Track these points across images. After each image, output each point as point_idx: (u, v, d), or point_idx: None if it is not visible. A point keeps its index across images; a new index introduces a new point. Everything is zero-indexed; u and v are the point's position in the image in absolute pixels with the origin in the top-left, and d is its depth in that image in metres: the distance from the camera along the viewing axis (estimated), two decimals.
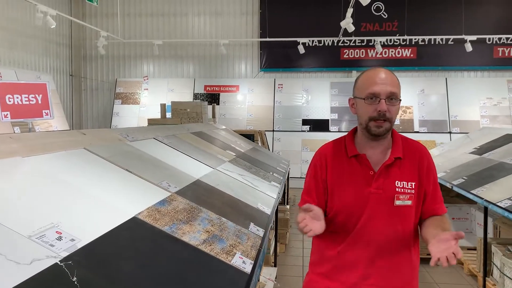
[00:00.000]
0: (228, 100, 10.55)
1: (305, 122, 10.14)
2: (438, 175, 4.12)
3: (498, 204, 3.32)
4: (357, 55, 10.37)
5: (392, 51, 10.27)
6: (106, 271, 1.21)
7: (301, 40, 9.60)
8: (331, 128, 9.98)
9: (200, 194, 2.30)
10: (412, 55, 10.24)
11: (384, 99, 1.63)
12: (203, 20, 10.88)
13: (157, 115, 8.37)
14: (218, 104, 10.40)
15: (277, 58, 10.65)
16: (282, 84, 10.48)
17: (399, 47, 10.24)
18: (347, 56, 10.40)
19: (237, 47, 10.84)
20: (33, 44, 9.41)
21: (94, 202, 1.60)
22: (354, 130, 1.82)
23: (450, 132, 9.63)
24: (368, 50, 10.29)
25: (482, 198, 3.61)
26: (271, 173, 4.19)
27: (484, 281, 3.98)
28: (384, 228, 1.69)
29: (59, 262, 1.13)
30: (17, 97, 4.93)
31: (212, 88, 10.70)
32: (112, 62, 11.29)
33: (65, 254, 1.18)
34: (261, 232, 2.07)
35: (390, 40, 10.13)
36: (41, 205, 1.40)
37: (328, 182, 1.76)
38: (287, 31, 10.08)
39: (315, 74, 10.67)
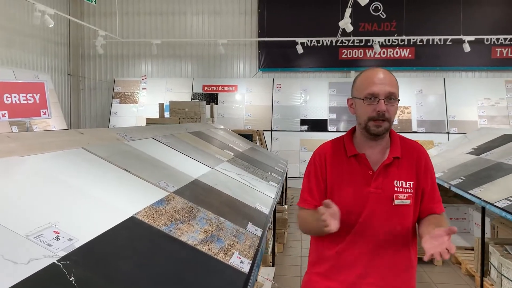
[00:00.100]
0: (226, 99, 10.55)
1: (303, 122, 10.15)
2: (436, 175, 4.12)
3: (495, 204, 3.32)
4: (355, 55, 10.38)
5: (390, 51, 10.28)
6: (104, 270, 1.21)
7: (300, 40, 9.60)
8: (329, 128, 9.98)
9: (198, 194, 2.30)
10: (410, 55, 10.25)
11: (383, 99, 1.64)
12: (201, 20, 10.88)
13: (155, 114, 8.36)
14: (216, 103, 10.40)
15: (275, 58, 10.65)
16: (280, 84, 10.49)
17: (397, 47, 10.25)
18: (346, 56, 10.40)
19: (235, 46, 10.84)
20: (31, 43, 9.39)
21: (92, 202, 1.60)
22: (353, 130, 1.83)
23: (448, 132, 9.64)
24: (367, 50, 10.29)
25: (480, 198, 3.62)
26: (269, 173, 4.19)
27: (482, 281, 3.99)
28: (383, 227, 1.69)
29: (56, 262, 1.13)
30: (15, 97, 4.92)
31: (210, 88, 10.69)
32: (110, 61, 11.27)
33: (62, 253, 1.17)
34: (259, 231, 2.07)
35: (389, 40, 10.14)
36: (39, 205, 1.40)
37: (327, 182, 1.77)
38: (286, 31, 10.08)
39: (313, 74, 10.67)
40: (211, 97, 10.56)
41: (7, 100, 4.86)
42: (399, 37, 9.93)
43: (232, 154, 4.30)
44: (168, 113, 6.50)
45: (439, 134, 9.63)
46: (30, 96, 5.10)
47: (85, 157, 2.04)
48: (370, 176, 1.71)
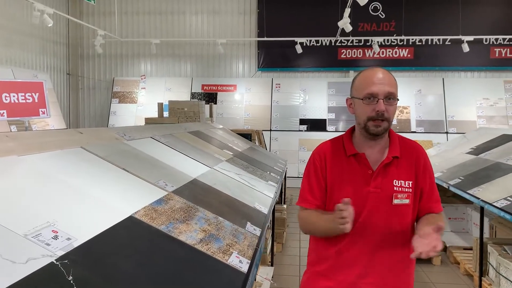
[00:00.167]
0: (225, 99, 10.54)
1: (302, 121, 10.15)
2: (435, 175, 4.12)
3: (494, 204, 3.33)
4: (354, 55, 10.38)
5: (389, 51, 10.28)
6: (102, 270, 1.21)
7: (299, 39, 9.60)
8: (328, 128, 9.98)
9: (197, 193, 2.30)
10: (409, 55, 10.26)
11: (382, 99, 1.64)
12: (200, 19, 10.87)
13: (154, 114, 8.36)
14: (215, 103, 10.40)
15: (274, 58, 10.65)
16: (279, 84, 10.49)
17: (396, 47, 10.26)
18: (345, 56, 10.41)
19: (234, 46, 10.83)
20: (30, 43, 9.38)
21: (91, 201, 1.60)
22: (352, 129, 1.83)
23: (447, 132, 9.65)
24: (366, 50, 10.30)
25: (478, 198, 3.62)
26: (268, 172, 4.19)
27: (480, 280, 3.99)
28: (382, 227, 1.69)
29: (55, 261, 1.12)
30: (14, 96, 4.91)
31: (209, 88, 10.69)
32: (110, 61, 11.26)
33: (61, 253, 1.17)
34: (258, 231, 2.07)
35: (388, 40, 10.14)
36: (37, 204, 1.40)
37: (327, 181, 1.77)
38: (285, 30, 10.08)
39: (312, 74, 10.67)
40: (210, 97, 10.55)
41: (6, 99, 4.85)
42: (398, 37, 9.94)
43: (231, 153, 4.30)
44: (167, 112, 6.50)
45: (438, 134, 9.64)
46: (28, 96, 5.09)
47: (84, 156, 2.03)
48: (369, 176, 1.71)
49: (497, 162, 4.36)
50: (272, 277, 4.17)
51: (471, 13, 9.84)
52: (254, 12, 10.62)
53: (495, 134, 5.49)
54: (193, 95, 10.62)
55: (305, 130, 10.08)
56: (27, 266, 1.06)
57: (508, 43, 9.93)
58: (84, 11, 11.15)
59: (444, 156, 5.76)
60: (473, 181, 4.10)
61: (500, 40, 9.92)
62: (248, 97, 10.50)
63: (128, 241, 1.43)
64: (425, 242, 1.47)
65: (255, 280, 3.56)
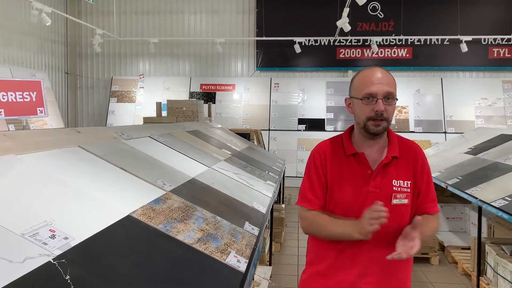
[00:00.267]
0: (224, 99, 10.54)
1: (301, 121, 10.15)
2: (433, 175, 4.13)
3: (492, 204, 3.33)
4: (353, 54, 10.38)
5: (388, 51, 10.29)
6: (100, 269, 1.21)
7: (298, 39, 9.60)
8: (327, 127, 9.99)
9: (195, 193, 2.30)
10: (408, 55, 10.27)
11: (381, 99, 1.64)
12: (199, 18, 10.86)
13: (152, 113, 8.35)
14: (214, 102, 10.39)
15: (273, 57, 10.65)
16: (278, 83, 10.48)
17: (395, 47, 10.26)
18: (343, 56, 10.41)
19: (233, 45, 10.83)
20: (28, 42, 9.36)
21: (88, 200, 1.60)
22: (351, 129, 1.83)
23: (445, 132, 9.66)
24: (364, 50, 10.30)
25: (476, 198, 3.63)
26: (266, 172, 4.19)
27: (478, 280, 4.00)
28: (381, 226, 1.69)
29: (52, 261, 1.12)
30: (11, 95, 4.91)
31: (208, 87, 10.68)
32: (108, 60, 11.25)
33: (58, 252, 1.17)
34: (256, 231, 2.07)
35: (386, 40, 10.15)
36: (35, 203, 1.39)
37: (328, 180, 1.76)
38: (284, 30, 10.07)
39: (311, 73, 10.67)
40: (209, 96, 10.55)
41: (3, 98, 4.84)
42: (397, 37, 9.94)
43: (230, 153, 4.30)
44: (166, 112, 6.50)
45: (436, 134, 9.65)
46: (26, 94, 5.08)
47: (81, 155, 2.03)
48: (369, 175, 1.71)
49: (495, 162, 4.36)
50: (270, 276, 4.17)
51: (469, 13, 9.85)
52: (253, 12, 10.62)
53: (493, 134, 5.50)
54: (191, 95, 10.62)
55: (303, 130, 10.08)
56: (24, 265, 1.06)
57: (506, 43, 9.94)
58: (83, 10, 11.13)
59: (443, 156, 5.77)
60: (471, 181, 4.11)
61: (499, 40, 9.93)
62: (246, 96, 10.50)
63: (125, 241, 1.43)
64: (406, 243, 1.56)
65: (253, 279, 3.56)
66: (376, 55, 10.14)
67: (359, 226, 1.58)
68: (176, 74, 11.04)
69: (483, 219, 4.31)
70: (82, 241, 1.28)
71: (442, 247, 5.14)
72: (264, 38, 10.10)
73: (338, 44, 10.33)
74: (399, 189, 1.70)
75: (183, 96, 10.54)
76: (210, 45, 10.65)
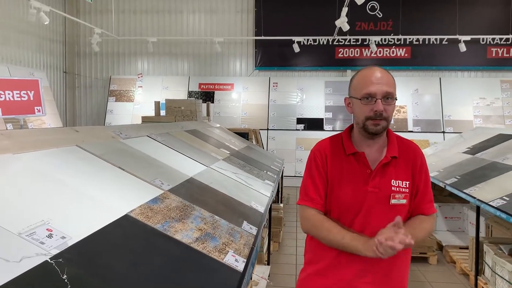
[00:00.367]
0: (222, 98, 10.53)
1: (299, 121, 10.15)
2: (431, 175, 4.14)
3: (490, 203, 3.34)
4: (351, 54, 10.39)
5: (386, 51, 10.29)
6: (97, 269, 1.21)
7: (296, 38, 9.60)
8: (326, 127, 9.99)
9: (193, 192, 2.30)
10: (406, 55, 10.27)
11: (380, 99, 1.64)
12: (198, 18, 10.85)
13: (151, 112, 8.34)
14: (212, 102, 10.38)
15: (272, 57, 10.64)
16: (277, 83, 10.48)
17: (393, 47, 10.27)
18: (342, 55, 10.41)
19: (232, 45, 10.82)
20: (26, 40, 9.34)
21: (86, 200, 1.59)
22: (350, 128, 1.82)
23: (443, 132, 9.67)
24: (363, 49, 10.30)
25: (474, 198, 3.63)
26: (265, 171, 4.19)
27: (476, 280, 4.00)
28: (379, 226, 1.68)
29: (49, 260, 1.12)
30: (9, 94, 4.89)
31: (206, 86, 10.67)
32: (106, 59, 11.23)
33: (55, 251, 1.17)
34: (254, 230, 2.07)
35: (385, 39, 10.16)
36: (32, 203, 1.39)
37: (328, 179, 1.76)
38: (282, 29, 10.07)
39: (309, 73, 10.67)
40: (207, 96, 10.54)
41: (1, 97, 4.83)
42: (395, 37, 9.94)
43: (228, 152, 4.29)
44: (164, 111, 6.49)
45: (435, 133, 9.66)
46: (24, 93, 5.07)
47: (79, 155, 2.03)
48: (368, 175, 1.70)
49: (493, 162, 4.37)
50: (269, 276, 4.17)
51: (468, 12, 9.86)
52: (252, 11, 10.61)
53: (491, 133, 5.51)
54: (190, 94, 10.61)
55: (302, 129, 10.08)
56: (21, 264, 1.05)
57: (505, 43, 9.96)
58: (81, 9, 11.11)
59: (441, 156, 5.78)
60: (470, 181, 4.12)
61: (497, 40, 9.95)
62: (245, 96, 10.49)
63: (123, 240, 1.43)
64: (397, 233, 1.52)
65: (251, 279, 3.56)
66: (375, 55, 10.15)
67: (372, 246, 1.55)
68: (175, 74, 11.03)
69: (481, 219, 4.31)
70: (79, 240, 1.28)
71: (440, 247, 5.14)
72: (262, 37, 10.10)
73: (337, 43, 10.34)
74: (397, 189, 1.70)
75: (182, 95, 10.53)
76: (209, 44, 10.64)
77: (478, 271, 4.01)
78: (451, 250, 4.84)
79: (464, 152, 5.29)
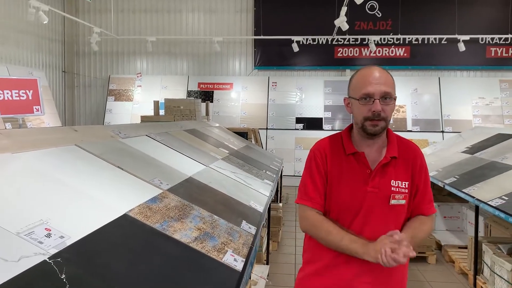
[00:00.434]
0: (222, 97, 10.53)
1: (298, 120, 10.15)
2: (430, 174, 4.14)
3: (489, 203, 3.34)
4: (351, 53, 10.39)
5: (385, 50, 10.30)
6: (96, 268, 1.20)
7: (295, 38, 9.60)
8: (325, 126, 9.99)
9: (192, 192, 2.29)
10: (405, 54, 10.28)
11: (378, 99, 1.63)
12: (197, 17, 10.85)
13: (150, 112, 8.33)
14: (211, 101, 10.38)
15: (271, 56, 10.64)
16: (276, 82, 10.48)
17: (392, 46, 10.27)
18: (341, 55, 10.41)
19: (231, 44, 10.82)
20: (25, 40, 9.33)
21: (85, 199, 1.59)
22: (350, 127, 1.82)
23: (442, 131, 9.68)
24: (362, 49, 10.30)
25: (473, 197, 3.63)
26: (264, 171, 4.19)
27: (475, 279, 4.01)
28: (378, 226, 1.69)
29: (47, 259, 1.12)
30: (7, 93, 4.89)
31: (206, 86, 10.67)
32: (105, 58, 11.22)
33: (54, 251, 1.16)
34: (253, 230, 2.07)
35: (384, 39, 10.16)
36: (31, 202, 1.39)
37: (327, 178, 1.75)
38: (281, 29, 10.07)
39: (309, 72, 10.67)
40: (207, 95, 10.54)
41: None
42: (395, 36, 9.95)
43: (227, 152, 4.29)
44: (163, 110, 6.49)
45: (434, 133, 9.67)
46: (22, 93, 5.06)
47: (78, 154, 2.02)
48: (368, 175, 1.70)
49: (492, 161, 4.37)
50: (268, 275, 4.17)
51: (467, 12, 9.86)
52: (251, 10, 10.61)
53: (490, 133, 5.52)
54: (189, 93, 10.60)
55: (301, 129, 10.08)
56: (19, 264, 1.05)
57: (504, 42, 9.96)
58: (80, 8, 11.10)
59: (440, 155, 5.78)
60: (468, 180, 4.12)
61: (496, 40, 9.95)
62: (244, 95, 10.49)
63: (122, 240, 1.43)
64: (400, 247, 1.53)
65: (250, 278, 3.56)
66: (374, 54, 10.15)
67: (373, 250, 1.56)
68: (174, 73, 11.03)
69: (480, 218, 4.31)
70: (78, 240, 1.28)
71: (439, 246, 5.15)
72: (262, 37, 10.09)
73: (336, 43, 10.34)
74: (397, 189, 1.69)
75: (181, 94, 10.52)
76: (208, 43, 10.64)
77: (477, 270, 4.01)
78: (450, 250, 4.84)
79: (463, 152, 5.30)
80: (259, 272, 4.03)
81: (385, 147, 1.75)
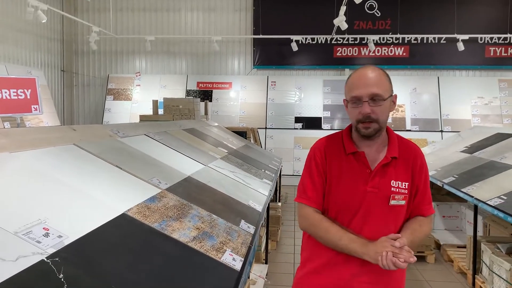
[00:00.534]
0: (221, 97, 10.52)
1: (297, 119, 10.15)
2: (429, 174, 4.13)
3: (488, 202, 3.34)
4: (350, 53, 10.39)
5: (384, 50, 10.30)
6: (94, 268, 1.20)
7: (294, 37, 9.59)
8: (324, 126, 9.99)
9: (191, 191, 2.29)
10: (404, 54, 10.28)
11: (367, 101, 1.63)
12: (196, 16, 10.84)
13: (149, 111, 8.33)
14: (210, 101, 10.37)
15: (270, 55, 10.64)
16: (275, 82, 10.48)
17: (391, 46, 10.27)
18: (340, 54, 10.41)
19: (230, 43, 10.81)
20: (24, 39, 9.31)
21: (83, 199, 1.59)
22: (350, 127, 1.82)
23: (441, 131, 9.68)
24: (361, 48, 10.30)
25: (472, 197, 3.63)
26: (263, 170, 4.19)
27: (474, 278, 4.01)
28: (378, 226, 1.69)
29: (45, 259, 1.11)
30: (5, 92, 4.87)
31: (205, 85, 10.66)
32: (104, 57, 11.20)
33: (52, 250, 1.16)
34: (251, 229, 2.07)
35: (383, 38, 10.16)
36: (29, 201, 1.38)
37: (326, 177, 1.75)
38: (281, 28, 10.07)
39: (308, 71, 10.67)
40: (206, 94, 10.53)
41: None
42: (394, 36, 9.95)
43: (226, 151, 4.29)
44: (162, 110, 6.48)
45: (433, 132, 9.67)
46: (21, 92, 5.05)
47: (76, 153, 2.02)
48: (367, 175, 1.70)
49: (491, 161, 4.38)
50: (266, 274, 4.17)
51: (466, 12, 9.87)
52: (250, 10, 10.60)
53: (489, 132, 5.52)
54: (188, 93, 10.59)
55: (300, 128, 10.08)
56: (17, 264, 1.05)
57: (503, 42, 9.97)
58: (79, 7, 11.08)
59: (439, 155, 5.78)
60: (467, 180, 4.12)
61: (495, 39, 9.96)
62: (243, 94, 10.49)
63: (120, 239, 1.42)
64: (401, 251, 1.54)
65: (248, 277, 3.56)
66: (373, 54, 10.15)
67: (373, 251, 1.57)
68: (173, 72, 11.02)
69: (479, 218, 4.32)
70: (76, 239, 1.27)
71: (438, 246, 5.15)
72: (261, 36, 10.09)
73: (335, 42, 10.33)
74: (397, 190, 1.69)
75: (180, 94, 10.51)
76: (207, 43, 10.63)
77: (476, 270, 4.02)
78: (449, 249, 4.85)
79: (462, 151, 5.30)
80: (258, 271, 4.03)
81: (385, 147, 1.75)
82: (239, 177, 3.25)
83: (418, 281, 4.29)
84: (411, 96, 10.00)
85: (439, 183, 4.47)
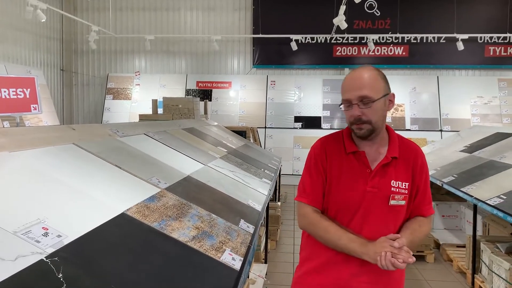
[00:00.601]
0: (220, 96, 10.52)
1: (297, 119, 10.15)
2: (429, 173, 4.13)
3: (487, 202, 3.34)
4: (349, 52, 10.38)
5: (384, 49, 10.30)
6: (93, 268, 1.20)
7: (294, 37, 9.59)
8: (323, 125, 9.99)
9: (190, 191, 2.29)
10: (404, 53, 10.28)
11: (356, 104, 1.64)
12: (195, 16, 10.83)
13: (148, 111, 8.33)
14: (210, 100, 10.37)
15: (269, 55, 10.64)
16: (274, 81, 10.48)
17: (391, 45, 10.27)
18: (340, 54, 10.41)
19: (229, 43, 10.81)
20: (23, 38, 9.30)
21: (82, 198, 1.59)
22: None
23: (441, 130, 9.69)
24: (361, 48, 10.30)
25: (471, 196, 3.64)
26: (262, 170, 4.18)
27: (473, 278, 4.01)
28: (377, 226, 1.69)
29: (44, 259, 1.11)
30: (5, 91, 4.87)
31: (204, 84, 10.66)
32: (104, 57, 11.20)
33: (51, 250, 1.16)
34: (251, 228, 2.07)
35: (383, 38, 10.15)
36: (28, 201, 1.38)
37: (326, 176, 1.75)
38: (280, 27, 10.06)
39: (307, 71, 10.67)
40: (205, 94, 10.52)
41: None
42: (393, 35, 9.94)
43: (225, 151, 4.29)
44: (162, 109, 6.48)
45: (432, 132, 9.68)
46: (20, 91, 5.04)
47: (76, 153, 2.02)
48: (368, 175, 1.70)
49: (490, 160, 4.38)
50: (266, 274, 4.17)
51: (466, 11, 9.87)
52: (249, 9, 10.59)
53: (489, 132, 5.52)
54: (187, 92, 10.59)
55: (300, 128, 10.08)
56: (16, 263, 1.04)
57: (502, 41, 9.97)
58: (78, 6, 11.07)
59: (438, 154, 5.79)
60: (467, 179, 4.12)
61: (495, 39, 9.96)
62: (243, 94, 10.48)
63: (119, 239, 1.42)
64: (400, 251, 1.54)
65: (248, 277, 3.56)
66: (373, 53, 10.15)
67: (372, 251, 1.57)
68: (172, 72, 11.01)
69: (478, 217, 4.32)
70: (75, 239, 1.27)
71: (438, 245, 5.16)
72: (260, 35, 10.08)
73: (335, 41, 10.33)
74: (397, 190, 1.69)
75: (179, 93, 10.50)
76: (207, 42, 10.62)
77: (475, 269, 4.02)
78: (448, 249, 4.85)
79: (462, 151, 5.30)
80: (257, 271, 4.03)
81: (386, 146, 1.75)
82: (238, 176, 3.25)
83: (417, 281, 4.29)
84: (410, 96, 10.00)
85: (438, 183, 4.48)
